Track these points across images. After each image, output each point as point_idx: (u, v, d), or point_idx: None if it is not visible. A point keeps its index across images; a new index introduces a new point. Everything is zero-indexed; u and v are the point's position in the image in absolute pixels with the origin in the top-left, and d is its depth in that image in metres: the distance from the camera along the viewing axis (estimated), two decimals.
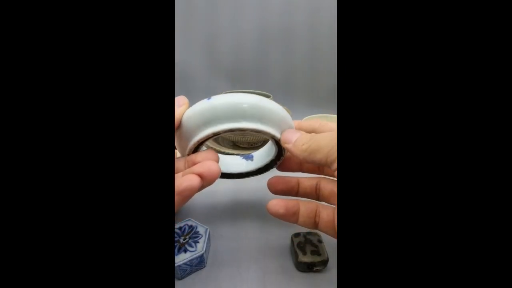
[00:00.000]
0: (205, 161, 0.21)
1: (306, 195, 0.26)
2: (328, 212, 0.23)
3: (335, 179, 0.17)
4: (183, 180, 0.19)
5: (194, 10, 0.64)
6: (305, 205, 0.23)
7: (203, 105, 0.22)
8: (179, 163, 0.24)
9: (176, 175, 0.21)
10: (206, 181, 0.20)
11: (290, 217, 0.23)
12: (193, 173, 0.20)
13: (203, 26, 0.66)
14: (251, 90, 0.54)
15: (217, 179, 0.21)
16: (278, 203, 0.23)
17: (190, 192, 0.20)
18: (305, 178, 0.27)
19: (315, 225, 0.23)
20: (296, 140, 0.22)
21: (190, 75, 0.68)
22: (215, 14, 0.65)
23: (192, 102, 0.22)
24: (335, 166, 0.19)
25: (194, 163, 0.22)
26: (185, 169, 0.23)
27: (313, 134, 0.22)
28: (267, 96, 0.49)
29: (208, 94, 0.23)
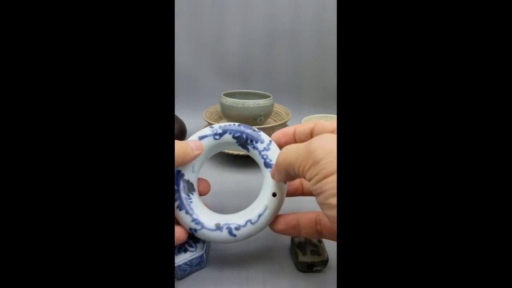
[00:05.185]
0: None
1: (311, 194, 0.26)
2: None
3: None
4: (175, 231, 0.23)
5: (201, 10, 0.64)
6: (304, 216, 0.24)
7: None
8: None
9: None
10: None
11: (291, 230, 0.24)
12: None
13: (210, 26, 0.66)
14: (251, 91, 0.54)
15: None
16: (277, 219, 0.24)
17: (177, 243, 0.24)
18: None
19: (319, 233, 0.23)
20: (272, 169, 0.23)
21: (196, 76, 0.68)
22: (221, 14, 0.65)
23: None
24: (307, 177, 0.18)
25: None
26: None
27: (281, 151, 0.21)
28: (267, 96, 0.49)
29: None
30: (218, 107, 0.53)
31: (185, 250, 0.24)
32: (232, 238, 0.23)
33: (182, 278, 0.24)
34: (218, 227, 0.23)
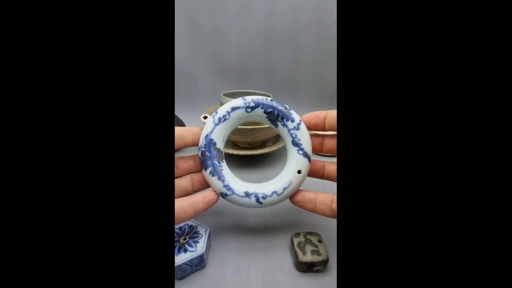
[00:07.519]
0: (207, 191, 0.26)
1: (330, 178, 0.28)
2: None
3: None
4: (209, 193, 0.25)
5: (199, 9, 0.65)
6: (321, 194, 0.26)
7: None
8: (186, 182, 0.27)
9: (187, 197, 0.25)
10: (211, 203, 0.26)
11: (307, 203, 0.26)
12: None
13: (209, 26, 0.66)
14: (251, 91, 0.54)
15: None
16: (297, 192, 0.27)
17: (212, 203, 0.25)
18: (330, 163, 0.28)
19: (333, 212, 0.25)
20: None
21: (195, 76, 0.68)
22: (220, 13, 0.65)
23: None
24: None
25: (200, 182, 0.27)
26: (192, 186, 0.27)
27: None
28: (267, 96, 0.49)
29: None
30: (218, 107, 0.53)
31: (185, 250, 0.24)
32: (258, 204, 0.26)
33: (182, 278, 0.24)
34: (247, 195, 0.26)
